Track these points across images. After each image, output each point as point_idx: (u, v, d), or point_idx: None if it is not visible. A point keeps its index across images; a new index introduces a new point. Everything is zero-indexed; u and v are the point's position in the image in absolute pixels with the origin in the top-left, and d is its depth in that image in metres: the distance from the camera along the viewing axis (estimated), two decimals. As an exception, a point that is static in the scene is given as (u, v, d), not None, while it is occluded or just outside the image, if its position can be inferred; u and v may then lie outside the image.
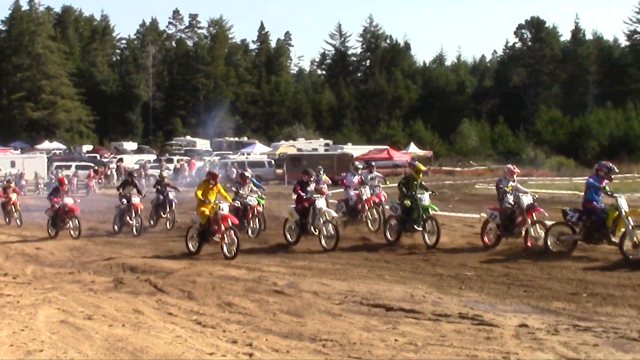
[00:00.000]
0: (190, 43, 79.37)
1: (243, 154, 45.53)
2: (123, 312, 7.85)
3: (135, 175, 18.09)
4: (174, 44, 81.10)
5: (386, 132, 61.85)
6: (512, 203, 12.02)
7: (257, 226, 14.71)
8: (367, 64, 79.99)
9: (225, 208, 12.21)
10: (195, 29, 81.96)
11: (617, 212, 10.50)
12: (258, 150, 49.62)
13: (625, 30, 71.08)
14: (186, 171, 38.15)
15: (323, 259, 12.12)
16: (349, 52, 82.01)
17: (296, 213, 12.71)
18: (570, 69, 67.51)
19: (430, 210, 12.33)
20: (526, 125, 60.47)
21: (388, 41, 79.77)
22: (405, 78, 71.98)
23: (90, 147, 55.68)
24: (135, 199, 15.85)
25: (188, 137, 58.58)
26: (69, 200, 15.68)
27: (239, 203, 14.15)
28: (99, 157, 46.14)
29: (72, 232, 15.22)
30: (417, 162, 14.97)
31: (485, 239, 12.16)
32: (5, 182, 20.92)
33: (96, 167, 36.42)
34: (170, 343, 6.51)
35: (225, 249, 11.80)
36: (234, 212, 13.32)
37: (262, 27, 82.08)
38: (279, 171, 38.75)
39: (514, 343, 6.67)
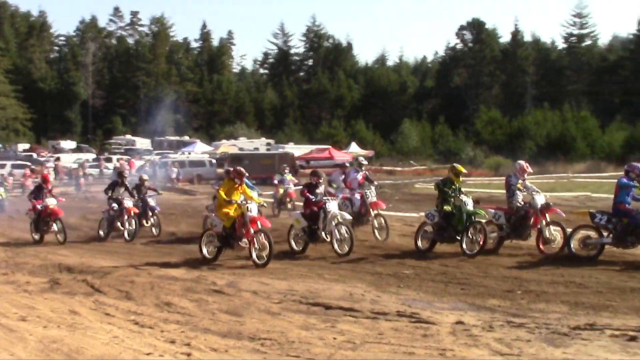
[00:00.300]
0: (131, 41, 78.23)
1: (184, 153, 45.46)
2: (58, 313, 7.79)
3: (126, 175, 16.53)
4: (114, 41, 79.72)
5: (328, 131, 62.85)
6: (523, 202, 11.38)
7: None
8: (310, 64, 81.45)
9: (253, 209, 11.26)
10: (136, 27, 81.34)
11: None
12: (199, 150, 49.85)
13: (562, 32, 73.66)
14: (126, 170, 37.42)
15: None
16: (292, 51, 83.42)
17: (303, 219, 11.83)
18: (510, 70, 69.28)
19: (474, 216, 11.36)
20: (466, 125, 61.81)
21: (331, 41, 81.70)
22: (348, 78, 73.21)
23: (26, 146, 54.26)
24: (128, 202, 14.61)
25: (128, 136, 58.24)
26: (51, 201, 14.42)
27: None
28: (35, 156, 44.78)
29: (57, 236, 14.08)
30: (455, 164, 13.31)
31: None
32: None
33: (32, 166, 35.08)
34: (107, 344, 6.51)
35: (254, 255, 10.94)
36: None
37: (204, 26, 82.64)
38: (220, 170, 38.10)
39: (450, 340, 6.80)
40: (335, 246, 11.46)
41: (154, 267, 11.15)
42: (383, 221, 13.35)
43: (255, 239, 11.04)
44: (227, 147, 48.05)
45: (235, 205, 11.29)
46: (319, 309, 8.41)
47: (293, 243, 12.15)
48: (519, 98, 67.47)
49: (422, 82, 79.02)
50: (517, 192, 11.41)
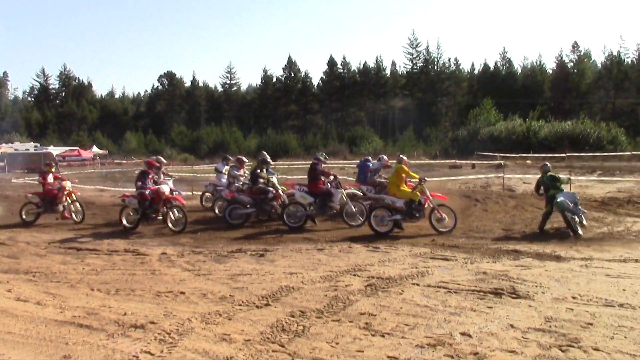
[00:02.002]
0: None
1: (-26, 153, 47.84)
2: None
3: (165, 161, 14.84)
4: None
5: (76, 138, 75.51)
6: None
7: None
8: (63, 94, 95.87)
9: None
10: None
11: None
12: (-13, 151, 50.58)
13: (220, 81, 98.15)
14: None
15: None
16: (51, 86, 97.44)
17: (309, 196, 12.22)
18: (191, 102, 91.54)
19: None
20: (166, 135, 78.55)
21: (77, 80, 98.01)
22: (89, 104, 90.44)
23: None
24: (165, 187, 12.66)
25: None
26: (165, 188, 12.70)
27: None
28: None
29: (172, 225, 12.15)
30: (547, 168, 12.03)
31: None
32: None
33: None
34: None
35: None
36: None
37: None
38: (1, 164, 44.55)
39: (158, 264, 8.30)
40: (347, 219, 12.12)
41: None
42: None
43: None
44: (6, 148, 51.50)
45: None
46: (72, 250, 9.80)
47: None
48: (198, 119, 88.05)
49: (138, 107, 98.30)
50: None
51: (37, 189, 15.03)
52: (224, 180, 15.97)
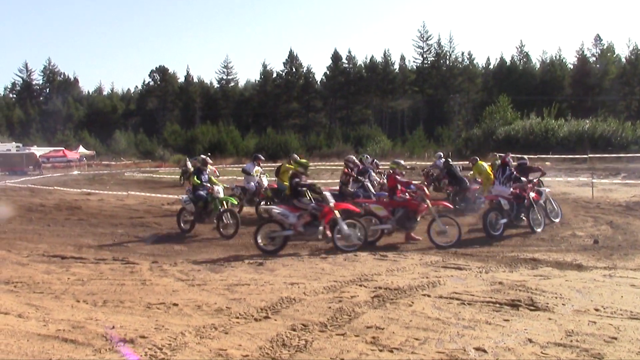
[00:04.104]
0: None
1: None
2: None
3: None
4: None
5: (62, 138, 75.34)
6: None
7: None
8: (48, 91, 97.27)
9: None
10: None
11: None
12: (-32, 151, 51.47)
13: (216, 77, 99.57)
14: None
15: (11, 227, 14.14)
16: (34, 82, 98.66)
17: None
18: (184, 99, 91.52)
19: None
20: (157, 134, 77.74)
21: (62, 75, 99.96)
22: (75, 102, 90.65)
23: None
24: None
25: None
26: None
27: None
28: None
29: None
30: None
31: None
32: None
33: None
34: None
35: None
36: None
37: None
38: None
39: (149, 274, 8.23)
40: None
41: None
42: None
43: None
44: (-13, 148, 51.47)
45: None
46: (57, 259, 9.80)
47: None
48: (192, 117, 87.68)
49: (128, 105, 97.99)
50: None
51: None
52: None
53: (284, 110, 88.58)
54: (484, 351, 5.04)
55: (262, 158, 17.25)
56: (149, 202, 21.08)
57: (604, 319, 5.99)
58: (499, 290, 7.21)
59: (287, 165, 15.44)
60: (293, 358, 4.99)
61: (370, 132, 68.26)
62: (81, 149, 64.02)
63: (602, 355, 4.94)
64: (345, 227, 10.60)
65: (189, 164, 23.93)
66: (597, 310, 6.33)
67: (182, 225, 13.36)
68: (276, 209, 11.08)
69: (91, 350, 5.19)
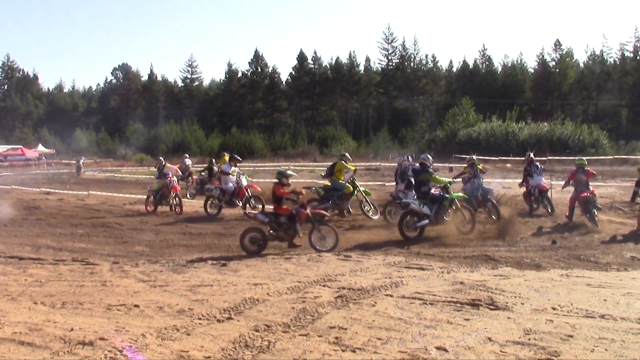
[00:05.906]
0: None
1: None
2: None
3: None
4: None
5: (20, 136, 75.62)
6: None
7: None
8: (6, 87, 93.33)
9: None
10: None
11: None
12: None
13: (180, 76, 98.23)
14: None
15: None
16: None
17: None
18: (148, 98, 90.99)
19: None
20: (119, 133, 76.90)
21: (21, 72, 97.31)
22: (34, 99, 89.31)
23: None
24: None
25: None
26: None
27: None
28: None
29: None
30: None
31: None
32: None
33: None
34: None
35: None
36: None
37: None
38: None
39: (109, 274, 8.19)
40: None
41: None
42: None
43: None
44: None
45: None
46: (14, 260, 9.75)
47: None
48: (155, 116, 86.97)
49: (89, 103, 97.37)
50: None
51: None
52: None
53: (249, 110, 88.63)
54: (445, 350, 5.11)
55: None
56: (110, 201, 20.91)
57: (560, 318, 6.13)
58: (460, 290, 7.33)
59: (343, 163, 15.65)
60: (256, 359, 4.98)
61: (335, 133, 69.20)
62: (40, 147, 63.42)
63: (559, 353, 5.06)
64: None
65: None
66: (554, 309, 6.47)
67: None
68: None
69: (49, 353, 5.11)
